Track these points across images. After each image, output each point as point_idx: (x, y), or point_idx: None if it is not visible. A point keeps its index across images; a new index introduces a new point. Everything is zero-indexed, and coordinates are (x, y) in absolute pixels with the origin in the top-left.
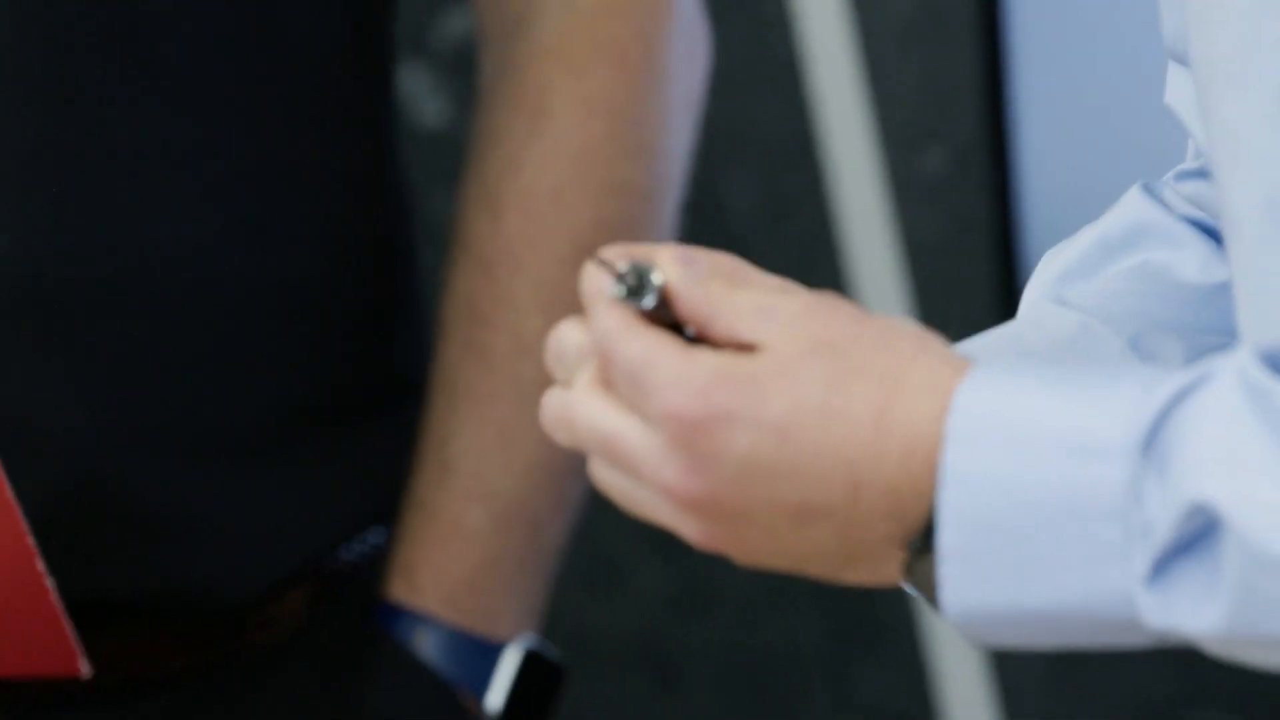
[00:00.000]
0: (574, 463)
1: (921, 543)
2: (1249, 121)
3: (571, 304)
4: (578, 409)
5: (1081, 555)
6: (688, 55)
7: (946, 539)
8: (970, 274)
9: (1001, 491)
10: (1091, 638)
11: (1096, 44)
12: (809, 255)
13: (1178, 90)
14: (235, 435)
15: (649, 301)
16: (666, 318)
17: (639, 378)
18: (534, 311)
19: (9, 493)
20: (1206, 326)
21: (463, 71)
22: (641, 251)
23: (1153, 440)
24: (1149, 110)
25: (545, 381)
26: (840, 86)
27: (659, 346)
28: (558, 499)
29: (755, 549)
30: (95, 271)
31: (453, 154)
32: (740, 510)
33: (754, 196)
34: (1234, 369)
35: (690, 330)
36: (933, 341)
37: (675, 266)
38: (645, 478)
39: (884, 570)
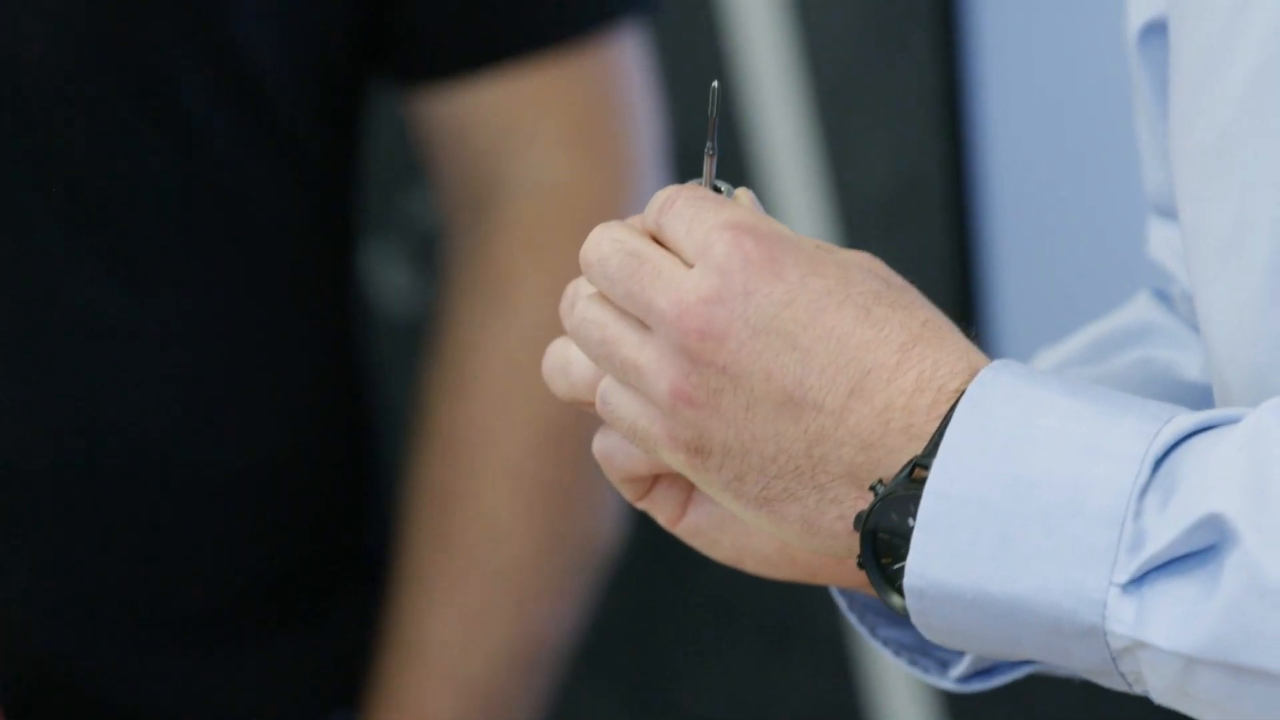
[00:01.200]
0: (544, 650)
1: (890, 494)
2: (1239, 300)
3: (539, 487)
4: (581, 308)
5: (1067, 551)
6: None
7: (927, 506)
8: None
9: (1001, 468)
10: (1042, 643)
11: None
12: None
13: (1161, 244)
14: (195, 618)
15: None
16: None
17: (697, 219)
18: (501, 496)
19: None
20: None
21: (427, 251)
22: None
23: (1166, 458)
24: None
25: (513, 567)
26: None
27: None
28: (527, 686)
29: (726, 431)
30: (56, 456)
31: (416, 335)
32: (739, 365)
33: None
34: (1273, 411)
35: None
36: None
37: (747, 199)
38: (649, 294)
39: (823, 512)
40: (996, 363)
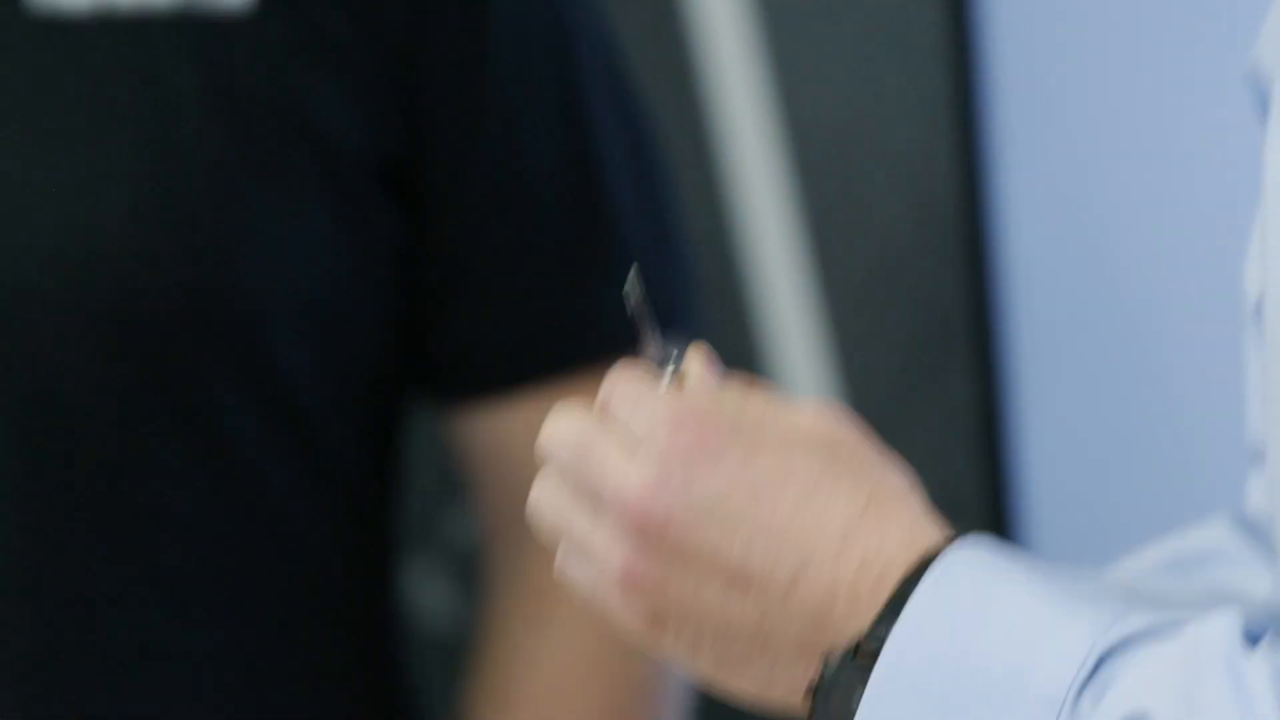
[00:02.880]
0: None
1: (838, 668)
2: None
3: None
4: (537, 490)
5: None
6: None
7: (878, 676)
8: None
9: (952, 648)
10: None
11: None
12: None
13: (1257, 491)
14: None
15: (667, 379)
16: None
17: (638, 408)
18: None
19: None
20: None
21: (467, 570)
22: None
23: (1110, 656)
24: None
25: None
26: None
27: (657, 400)
28: None
29: (675, 606)
30: None
31: (457, 654)
32: (684, 549)
33: None
34: (1221, 630)
35: None
36: (921, 498)
37: (698, 363)
38: (604, 490)
39: (776, 680)
40: (960, 546)
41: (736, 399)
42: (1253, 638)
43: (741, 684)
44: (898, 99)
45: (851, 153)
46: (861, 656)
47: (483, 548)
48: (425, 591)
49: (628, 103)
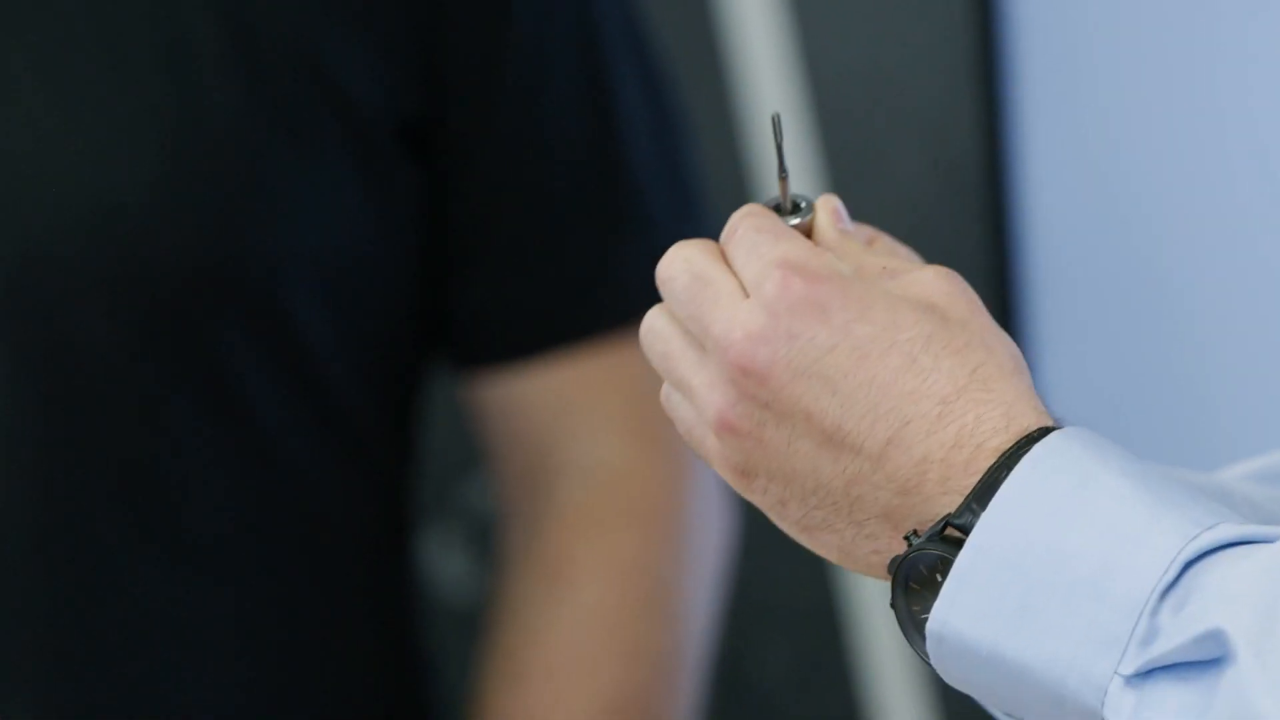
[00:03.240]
0: None
1: (924, 547)
2: None
3: None
4: (650, 318)
5: (1083, 631)
6: (707, 519)
7: (964, 558)
8: None
9: (1041, 536)
10: (1045, 711)
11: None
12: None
13: None
14: None
15: (793, 220)
16: None
17: (754, 251)
18: None
19: None
20: None
21: (484, 538)
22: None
23: (1198, 562)
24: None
25: None
26: None
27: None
28: None
29: (767, 459)
30: None
31: (474, 621)
32: (782, 401)
33: (784, 663)
34: None
35: None
36: (1027, 376)
37: (826, 211)
38: (711, 337)
39: (858, 547)
40: (1063, 429)
41: (856, 252)
42: None
43: (825, 546)
44: (921, 56)
45: (874, 111)
46: (949, 537)
47: (499, 518)
48: (443, 561)
49: (650, 64)
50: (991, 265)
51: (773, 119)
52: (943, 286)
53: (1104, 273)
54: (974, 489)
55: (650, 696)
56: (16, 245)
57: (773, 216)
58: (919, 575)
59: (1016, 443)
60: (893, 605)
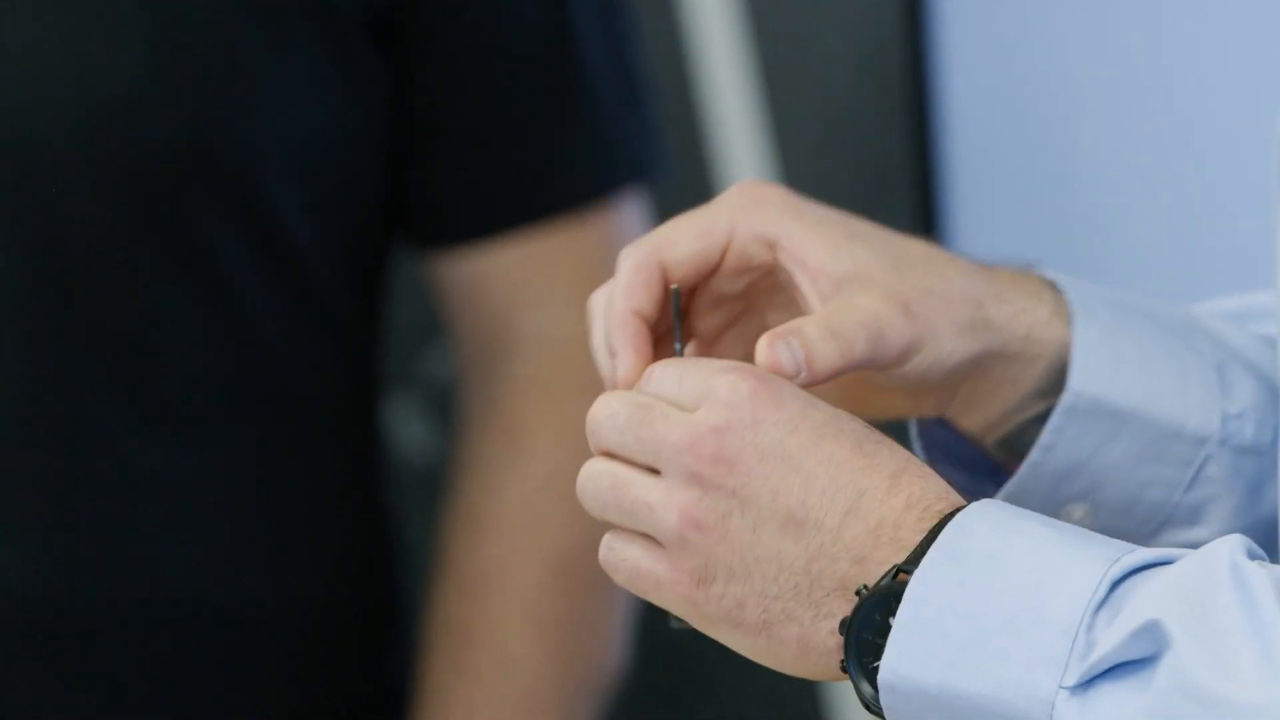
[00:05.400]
0: None
1: (872, 597)
2: None
3: (550, 619)
4: (589, 466)
5: (1025, 656)
6: None
7: (906, 608)
8: None
9: (975, 579)
10: None
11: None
12: None
13: None
14: None
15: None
16: None
17: (687, 374)
18: (514, 629)
19: None
20: None
21: (445, 404)
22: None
23: (1122, 583)
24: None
25: (525, 694)
26: None
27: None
28: None
29: (732, 555)
30: (104, 599)
31: (435, 480)
32: (747, 489)
33: None
34: (1226, 548)
35: None
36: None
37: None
38: (668, 445)
39: (816, 631)
40: (984, 500)
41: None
42: (1254, 557)
43: (783, 641)
44: None
45: (803, 12)
46: (897, 586)
47: (459, 384)
48: (406, 425)
49: None
50: (912, 153)
51: (672, 292)
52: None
53: (1016, 155)
54: (920, 541)
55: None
56: (12, 133)
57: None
58: (871, 624)
59: (957, 507)
60: (843, 666)
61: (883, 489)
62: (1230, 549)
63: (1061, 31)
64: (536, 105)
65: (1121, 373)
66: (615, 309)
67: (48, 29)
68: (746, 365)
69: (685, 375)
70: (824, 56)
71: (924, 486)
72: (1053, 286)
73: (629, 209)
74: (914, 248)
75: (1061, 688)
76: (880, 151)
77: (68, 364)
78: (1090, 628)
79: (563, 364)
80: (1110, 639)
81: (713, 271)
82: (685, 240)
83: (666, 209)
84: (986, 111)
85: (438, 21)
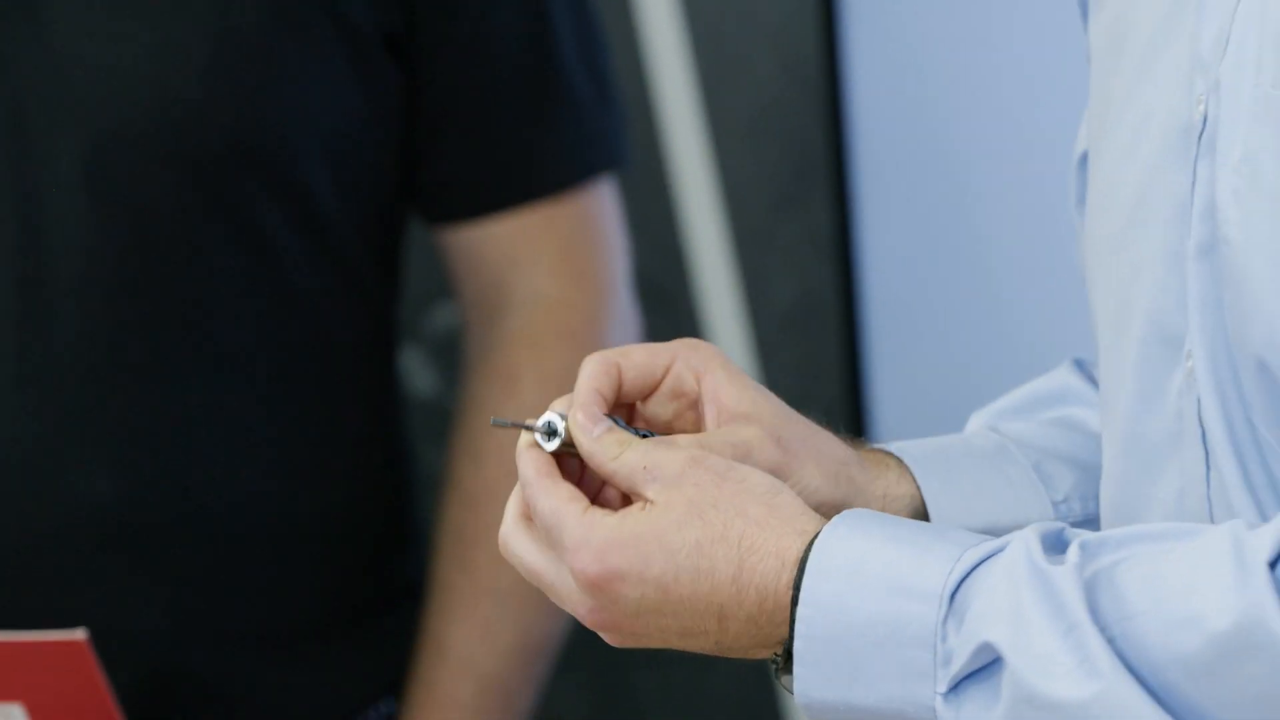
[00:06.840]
0: (542, 648)
1: (781, 653)
2: (1122, 362)
3: None
4: (509, 543)
5: (899, 671)
6: (624, 337)
7: (798, 647)
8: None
9: (842, 615)
10: None
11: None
12: None
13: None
14: (281, 631)
15: (552, 446)
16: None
17: (551, 532)
18: None
19: (104, 681)
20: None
21: (450, 352)
22: (560, 402)
23: (957, 591)
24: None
25: (519, 586)
26: None
27: (565, 506)
28: (528, 675)
29: (639, 636)
30: (175, 509)
31: (443, 416)
32: (637, 632)
33: None
34: (1022, 546)
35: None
36: (780, 498)
37: (575, 425)
38: (563, 605)
39: (757, 656)
40: (827, 530)
41: (614, 452)
42: (1061, 545)
43: (698, 650)
44: None
45: (735, 22)
46: (787, 648)
47: (462, 335)
48: (418, 370)
49: None
50: (830, 147)
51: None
52: (690, 476)
53: (920, 150)
54: (790, 610)
55: None
56: (100, 131)
57: (546, 474)
58: (786, 686)
59: (801, 556)
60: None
61: (734, 598)
62: (1026, 550)
63: (957, 39)
64: (521, 105)
65: (967, 505)
66: (579, 385)
67: (128, 46)
68: (591, 539)
69: (551, 545)
70: (752, 60)
71: (764, 561)
72: (893, 455)
73: (602, 193)
74: (804, 421)
75: (937, 694)
76: (801, 141)
77: (145, 319)
78: (944, 638)
79: (547, 319)
80: (960, 652)
81: (654, 388)
82: (638, 353)
83: (623, 186)
84: (892, 107)
85: (438, 36)
